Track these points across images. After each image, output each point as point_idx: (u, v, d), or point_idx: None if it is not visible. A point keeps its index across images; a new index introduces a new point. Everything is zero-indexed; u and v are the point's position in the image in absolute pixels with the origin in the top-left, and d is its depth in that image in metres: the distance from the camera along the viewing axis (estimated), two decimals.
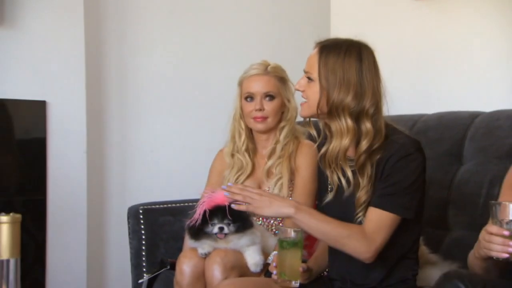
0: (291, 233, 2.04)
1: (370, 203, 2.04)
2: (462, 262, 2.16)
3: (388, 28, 3.50)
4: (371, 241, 2.00)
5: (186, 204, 3.07)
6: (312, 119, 2.20)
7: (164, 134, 3.59)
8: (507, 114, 2.68)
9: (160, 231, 3.08)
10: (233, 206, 2.07)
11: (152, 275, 2.73)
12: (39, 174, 3.18)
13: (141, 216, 3.07)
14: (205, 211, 2.38)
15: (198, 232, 2.43)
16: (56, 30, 3.20)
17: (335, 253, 2.18)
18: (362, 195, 2.05)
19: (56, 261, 3.22)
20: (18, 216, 1.56)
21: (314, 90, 2.08)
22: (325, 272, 2.34)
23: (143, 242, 3.05)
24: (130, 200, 3.26)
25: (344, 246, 2.03)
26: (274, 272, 2.12)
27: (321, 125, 2.20)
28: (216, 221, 2.41)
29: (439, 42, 3.32)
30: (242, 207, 2.06)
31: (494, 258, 1.76)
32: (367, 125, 2.05)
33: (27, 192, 3.18)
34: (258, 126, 2.73)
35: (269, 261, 2.40)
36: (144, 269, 3.01)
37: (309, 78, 2.10)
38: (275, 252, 2.37)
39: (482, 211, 2.45)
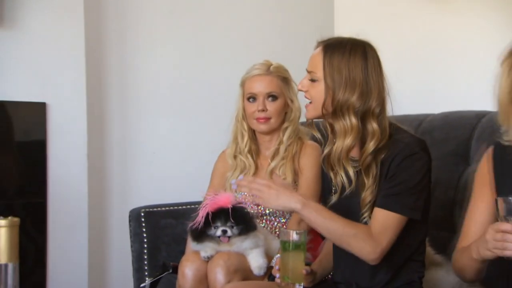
0: (294, 235, 2.01)
1: (375, 203, 2.02)
2: None
3: (393, 26, 3.50)
4: (377, 242, 1.97)
5: (189, 206, 3.07)
6: (315, 120, 2.18)
7: (165, 135, 3.59)
8: None
9: (162, 234, 3.07)
10: (240, 196, 2.03)
11: (154, 279, 2.72)
12: (39, 176, 3.17)
13: (143, 219, 3.06)
14: (207, 214, 2.37)
15: (201, 235, 2.41)
16: (56, 30, 3.20)
17: (339, 256, 2.17)
18: (367, 195, 2.03)
19: (56, 264, 3.21)
20: (17, 219, 1.56)
21: (318, 90, 2.06)
22: (329, 275, 2.32)
23: (145, 245, 3.04)
24: (131, 203, 3.26)
25: (350, 245, 2.00)
26: (277, 275, 2.10)
27: (322, 126, 2.19)
28: (219, 224, 2.39)
29: (444, 40, 3.30)
30: (249, 199, 2.04)
31: (506, 257, 1.69)
32: (373, 125, 2.03)
33: (27, 195, 3.18)
34: (260, 127, 2.71)
35: (273, 264, 2.38)
36: (146, 273, 3.00)
37: (313, 78, 2.08)
38: (278, 255, 2.35)
39: None
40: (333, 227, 2.00)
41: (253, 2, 3.83)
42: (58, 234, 3.21)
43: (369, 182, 2.03)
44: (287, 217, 2.67)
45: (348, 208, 2.09)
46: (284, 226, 2.65)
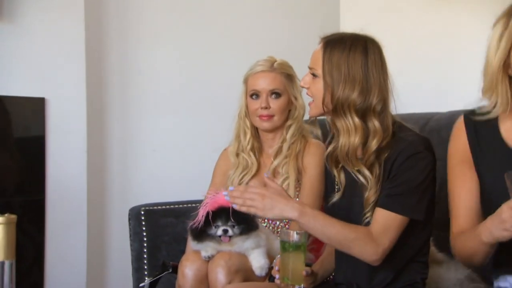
0: (294, 236, 2.00)
1: (377, 203, 2.00)
2: None
3: (400, 23, 3.50)
4: (378, 243, 1.95)
5: (189, 205, 3.07)
6: (319, 118, 2.18)
7: (166, 133, 3.59)
8: None
9: (162, 233, 3.06)
10: (234, 206, 2.00)
11: (154, 279, 2.70)
12: (37, 173, 3.18)
13: (143, 218, 3.05)
14: (208, 213, 2.35)
15: (201, 234, 2.39)
16: (56, 24, 3.20)
17: (340, 257, 2.16)
18: (370, 195, 2.01)
19: (55, 263, 3.22)
20: (14, 216, 1.61)
21: (319, 87, 2.05)
22: (331, 276, 2.30)
23: (145, 245, 3.03)
24: (131, 201, 3.24)
25: (351, 249, 1.98)
26: (277, 276, 2.09)
27: (327, 123, 2.17)
28: (219, 223, 2.37)
29: (453, 37, 3.30)
30: (244, 209, 1.99)
31: None
32: (375, 123, 2.01)
33: (26, 192, 3.18)
34: (263, 124, 2.69)
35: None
36: (146, 272, 2.99)
37: (314, 75, 2.08)
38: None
39: None
40: (332, 233, 1.97)
41: None
42: (56, 232, 3.21)
43: (372, 181, 2.01)
44: None
45: (351, 208, 2.08)
46: (287, 226, 2.62)
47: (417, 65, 3.39)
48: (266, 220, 2.65)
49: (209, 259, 2.39)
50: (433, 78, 3.38)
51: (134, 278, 3.02)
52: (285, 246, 2.01)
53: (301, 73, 2.42)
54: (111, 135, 3.47)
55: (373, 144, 2.00)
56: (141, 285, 2.79)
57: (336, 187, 2.15)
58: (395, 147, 1.99)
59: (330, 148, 2.13)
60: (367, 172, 2.02)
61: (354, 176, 2.06)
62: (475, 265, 1.91)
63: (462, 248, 1.89)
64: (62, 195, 3.20)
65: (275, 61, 2.71)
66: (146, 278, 2.82)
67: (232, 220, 2.34)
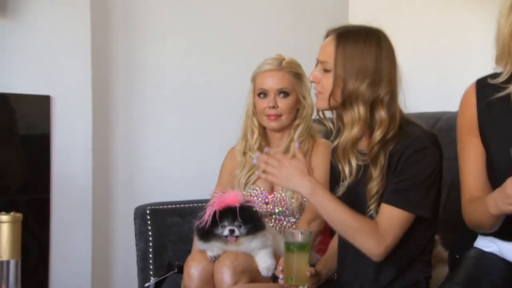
0: (299, 236, 2.01)
1: (382, 198, 1.99)
2: None
3: (410, 19, 3.49)
4: (382, 238, 1.94)
5: (196, 204, 3.06)
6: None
7: (173, 131, 3.58)
8: None
9: (168, 233, 3.05)
10: (257, 173, 2.08)
11: (159, 279, 2.70)
12: (42, 172, 3.17)
13: (148, 217, 3.04)
14: (215, 212, 2.35)
15: (208, 234, 2.38)
16: (61, 21, 3.19)
17: (343, 255, 2.15)
18: (373, 186, 2.00)
19: (60, 262, 3.21)
20: (19, 215, 1.60)
21: (329, 82, 2.03)
22: (334, 275, 2.28)
23: (150, 244, 3.03)
24: (137, 200, 3.24)
25: (354, 239, 1.98)
26: (281, 276, 2.09)
27: (334, 118, 2.16)
28: (226, 223, 2.37)
29: (465, 34, 3.31)
30: (263, 176, 2.07)
31: None
32: (381, 114, 2.00)
33: (30, 191, 3.17)
34: (271, 124, 2.68)
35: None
36: (151, 272, 2.98)
37: (325, 69, 2.05)
38: None
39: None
40: (339, 219, 1.99)
41: None
42: (61, 231, 3.20)
43: (376, 173, 1.99)
44: (296, 216, 2.64)
45: (355, 201, 2.06)
46: (294, 226, 2.62)
47: (427, 63, 3.38)
48: (273, 220, 2.64)
49: (215, 259, 2.38)
50: (443, 78, 3.38)
51: (140, 278, 3.02)
52: (289, 246, 2.01)
53: (309, 71, 2.41)
54: (117, 134, 3.46)
55: (378, 134, 1.99)
56: (146, 285, 2.79)
57: (341, 182, 2.13)
58: (402, 141, 1.98)
59: (336, 142, 2.12)
60: (354, 166, 2.04)
61: (359, 169, 2.05)
62: (486, 232, 1.91)
63: (472, 216, 1.89)
64: (67, 193, 3.20)
65: (284, 59, 2.69)
66: (152, 278, 2.82)
67: (239, 220, 2.34)
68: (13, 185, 3.13)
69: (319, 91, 2.07)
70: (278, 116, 2.66)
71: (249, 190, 2.66)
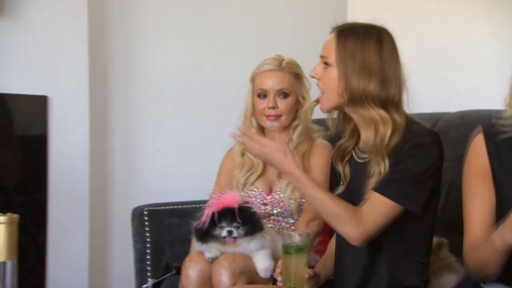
0: (296, 238, 2.00)
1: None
2: None
3: (408, 21, 3.47)
4: (361, 223, 1.93)
5: (194, 205, 3.05)
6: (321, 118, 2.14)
7: (171, 131, 3.58)
8: None
9: (166, 234, 3.04)
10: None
11: (157, 280, 2.69)
12: (39, 172, 3.16)
13: (146, 218, 3.04)
14: (213, 213, 2.34)
15: (206, 235, 2.39)
16: (59, 21, 3.19)
17: (340, 256, 2.14)
18: (371, 182, 1.98)
19: (57, 263, 3.20)
20: (16, 216, 1.60)
21: (331, 77, 2.01)
22: (331, 278, 2.27)
23: (148, 245, 3.02)
24: (134, 201, 3.23)
25: (333, 223, 1.98)
26: (279, 279, 2.08)
27: (331, 118, 2.13)
28: (224, 224, 2.37)
29: (463, 36, 3.29)
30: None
31: None
32: (396, 116, 1.98)
33: (27, 192, 3.17)
34: (270, 124, 2.67)
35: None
36: (149, 274, 2.97)
37: (326, 63, 2.04)
38: None
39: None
40: (318, 205, 1.99)
41: None
42: (58, 232, 3.20)
43: (376, 170, 1.97)
44: (295, 217, 2.63)
45: (355, 200, 2.02)
46: (292, 227, 2.61)
47: (425, 63, 3.37)
48: (271, 221, 2.64)
49: (213, 260, 2.38)
50: (442, 78, 3.38)
51: (137, 279, 3.01)
52: (287, 248, 2.00)
53: (308, 72, 2.40)
54: (114, 134, 3.46)
55: (394, 137, 1.96)
56: (144, 286, 2.79)
57: (342, 182, 2.13)
58: (404, 138, 1.97)
59: (340, 141, 2.12)
60: (387, 165, 1.98)
61: (362, 168, 2.03)
62: (487, 277, 1.86)
63: (475, 260, 1.85)
64: (64, 194, 3.19)
65: (283, 59, 2.69)
66: (149, 280, 2.82)
67: (237, 221, 2.34)
68: (10, 186, 3.13)
69: (321, 88, 2.06)
70: (278, 116, 2.65)
71: (247, 191, 2.66)
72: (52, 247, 3.18)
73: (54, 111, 3.17)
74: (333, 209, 1.95)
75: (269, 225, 2.62)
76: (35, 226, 3.15)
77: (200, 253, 2.42)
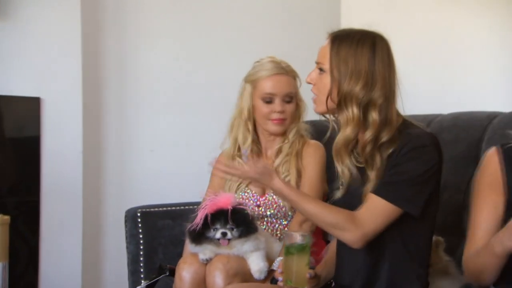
0: (298, 238, 2.00)
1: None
2: None
3: (401, 24, 3.48)
4: (359, 225, 1.93)
5: (187, 207, 3.04)
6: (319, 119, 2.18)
7: (164, 133, 3.58)
8: None
9: (159, 236, 3.03)
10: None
11: (150, 282, 2.67)
12: (32, 174, 3.17)
13: (139, 220, 3.03)
14: (207, 215, 2.34)
15: (199, 237, 2.38)
16: (52, 23, 3.19)
17: (341, 258, 2.14)
18: (369, 188, 1.98)
19: (49, 265, 3.20)
20: (7, 217, 1.56)
21: (325, 82, 2.03)
22: (331, 281, 2.27)
23: (141, 247, 3.01)
24: (127, 203, 3.21)
25: (331, 232, 2.03)
26: (280, 278, 2.07)
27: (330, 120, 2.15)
28: (218, 226, 2.36)
29: (456, 38, 3.29)
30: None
31: None
32: (373, 116, 1.99)
33: (20, 193, 3.17)
34: (275, 128, 2.65)
35: (274, 268, 2.37)
36: (142, 276, 2.97)
37: (321, 69, 2.06)
38: (280, 257, 2.38)
39: None
40: (313, 217, 2.01)
41: None
42: (51, 234, 3.20)
43: (371, 175, 1.98)
44: (288, 219, 2.63)
45: (354, 204, 2.02)
46: (286, 228, 2.61)
47: (418, 67, 3.37)
48: (265, 223, 2.63)
49: (207, 262, 2.38)
50: (435, 80, 3.38)
51: (130, 281, 3.00)
52: (289, 249, 2.00)
53: (303, 71, 2.43)
54: (107, 136, 3.45)
55: (367, 135, 1.98)
56: None
57: (340, 185, 2.13)
58: (401, 142, 1.97)
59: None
60: (351, 167, 2.04)
61: (356, 171, 2.04)
62: (485, 282, 1.88)
63: (473, 264, 1.87)
64: (57, 196, 3.19)
65: (282, 62, 2.66)
66: (143, 281, 2.81)
67: (231, 222, 2.34)
68: (3, 187, 3.13)
69: (315, 93, 2.08)
70: (283, 120, 2.63)
71: (240, 193, 2.64)
72: (44, 248, 3.18)
73: (47, 113, 3.16)
74: (328, 219, 1.97)
75: (263, 227, 2.61)
76: (27, 228, 3.14)
77: (194, 255, 2.41)
